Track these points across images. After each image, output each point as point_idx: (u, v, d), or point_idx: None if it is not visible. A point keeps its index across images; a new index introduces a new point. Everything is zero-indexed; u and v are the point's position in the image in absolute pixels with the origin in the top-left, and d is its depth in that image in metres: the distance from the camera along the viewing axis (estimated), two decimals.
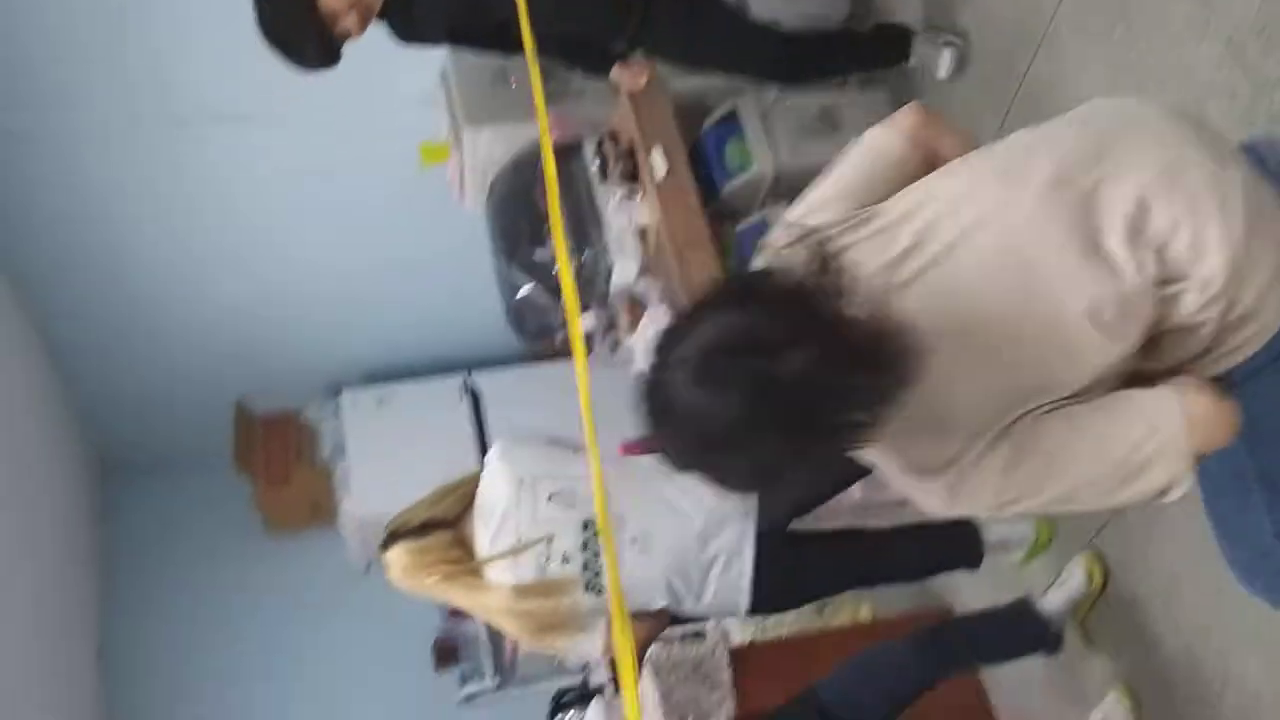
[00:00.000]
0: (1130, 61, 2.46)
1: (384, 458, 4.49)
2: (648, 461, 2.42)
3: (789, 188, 3.32)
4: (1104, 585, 2.71)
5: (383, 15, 2.80)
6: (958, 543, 2.82)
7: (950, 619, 3.06)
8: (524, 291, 3.42)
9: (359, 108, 3.78)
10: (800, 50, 3.11)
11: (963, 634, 2.71)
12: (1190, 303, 1.31)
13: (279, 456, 4.73)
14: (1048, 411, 1.32)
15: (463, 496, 2.77)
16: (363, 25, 2.73)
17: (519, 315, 3.55)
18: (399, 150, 3.84)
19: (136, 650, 4.56)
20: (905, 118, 1.53)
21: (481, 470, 2.71)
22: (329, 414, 4.62)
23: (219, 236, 4.13)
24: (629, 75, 3.11)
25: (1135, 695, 2.69)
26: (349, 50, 3.57)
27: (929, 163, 1.49)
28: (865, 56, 3.27)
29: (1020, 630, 2.72)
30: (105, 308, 4.28)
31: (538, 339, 3.61)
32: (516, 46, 2.72)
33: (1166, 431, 1.31)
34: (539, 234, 3.41)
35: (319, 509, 4.65)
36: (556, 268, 3.32)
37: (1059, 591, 2.73)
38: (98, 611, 4.66)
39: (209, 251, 4.19)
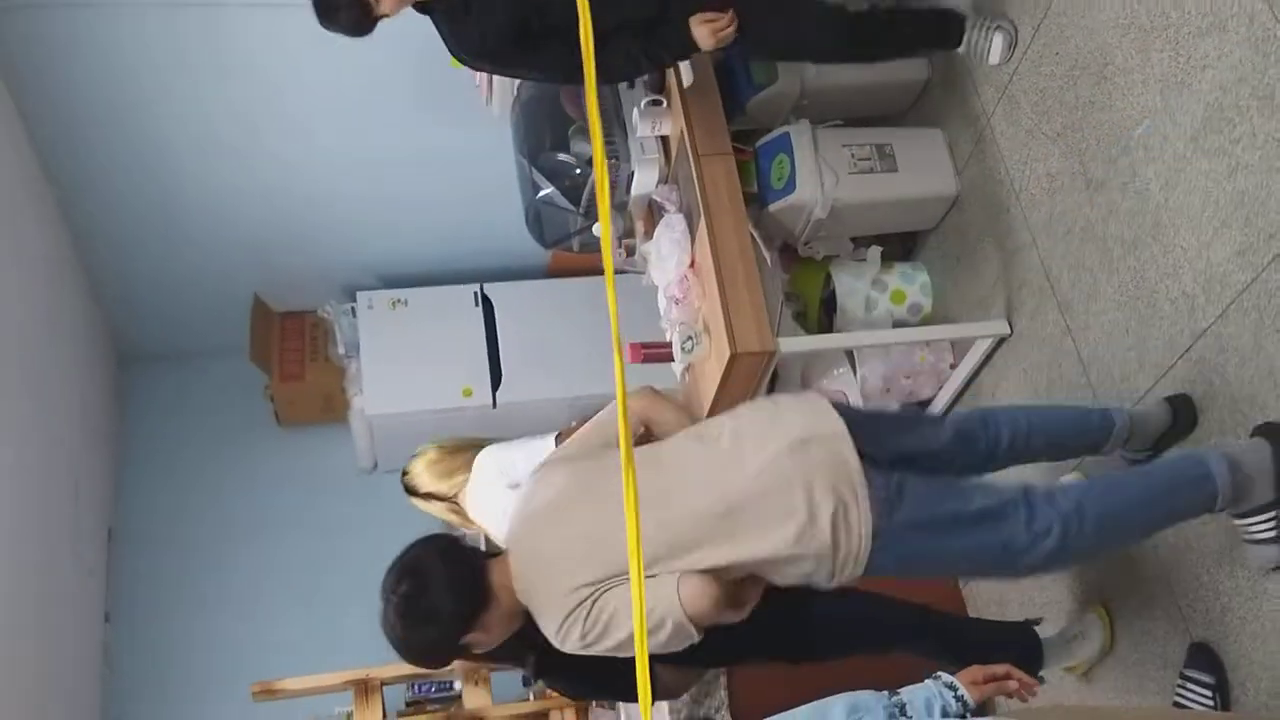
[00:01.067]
0: None
1: (396, 359, 4.58)
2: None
3: (812, 104, 3.38)
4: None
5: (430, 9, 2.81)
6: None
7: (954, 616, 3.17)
8: (544, 193, 3.48)
9: None
10: (864, 33, 3.04)
11: (955, 634, 2.82)
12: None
13: (295, 352, 4.81)
14: None
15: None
16: (398, 5, 2.71)
17: (538, 217, 3.61)
18: (430, 50, 3.86)
19: (145, 533, 4.68)
20: (635, 400, 2.35)
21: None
22: (345, 312, 4.69)
23: (247, 128, 4.17)
24: (711, 29, 2.78)
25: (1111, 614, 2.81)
26: None
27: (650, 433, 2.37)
28: (919, 37, 3.18)
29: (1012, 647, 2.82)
30: (129, 193, 4.33)
31: (555, 242, 3.67)
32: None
33: (665, 605, 2.05)
34: (562, 137, 3.46)
35: (330, 405, 4.74)
36: (578, 170, 3.38)
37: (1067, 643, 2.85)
38: (111, 494, 4.77)
39: (236, 143, 4.23)
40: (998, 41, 3.01)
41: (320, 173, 4.40)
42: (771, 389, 4.49)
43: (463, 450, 3.12)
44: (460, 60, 2.93)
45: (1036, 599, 3.09)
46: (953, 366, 3.37)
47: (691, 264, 3.16)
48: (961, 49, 3.10)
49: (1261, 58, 2.23)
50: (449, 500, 3.11)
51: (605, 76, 2.73)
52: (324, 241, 4.72)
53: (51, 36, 3.72)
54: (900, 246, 3.63)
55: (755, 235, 3.21)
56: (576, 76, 2.39)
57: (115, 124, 4.07)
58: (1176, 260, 2.50)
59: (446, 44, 2.88)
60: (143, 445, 4.88)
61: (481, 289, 4.79)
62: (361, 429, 4.64)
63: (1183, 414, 2.48)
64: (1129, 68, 2.60)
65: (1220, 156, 2.35)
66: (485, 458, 3.03)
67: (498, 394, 4.58)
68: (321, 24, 2.74)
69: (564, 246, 3.76)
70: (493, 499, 2.92)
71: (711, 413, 3.06)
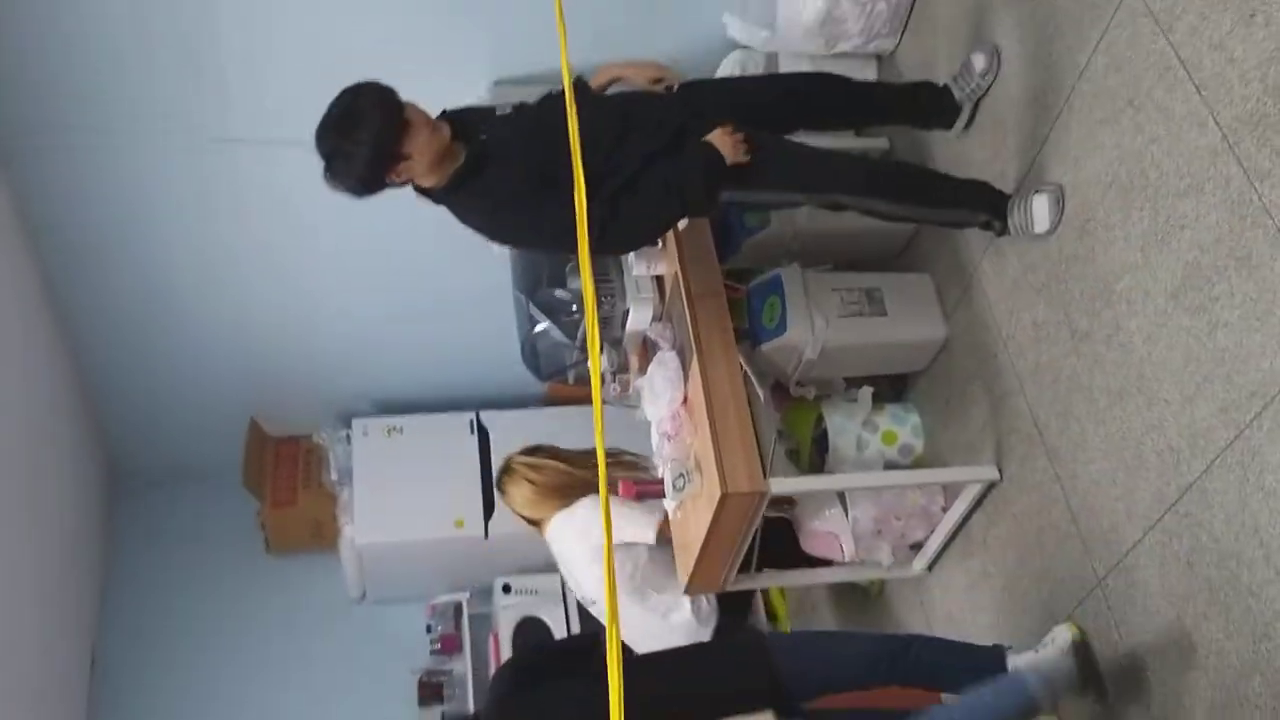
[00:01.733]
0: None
1: (388, 488, 4.59)
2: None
3: (804, 247, 3.46)
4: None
5: (448, 193, 2.84)
6: None
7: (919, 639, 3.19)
8: (540, 328, 3.53)
9: None
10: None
11: (926, 660, 2.82)
12: None
13: (288, 478, 4.82)
14: None
15: None
16: (423, 171, 2.75)
17: (534, 350, 3.66)
18: None
19: (128, 657, 4.61)
20: None
21: None
22: (340, 439, 4.71)
23: (248, 256, 4.26)
24: (734, 140, 2.80)
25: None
26: (397, 86, 3.77)
27: None
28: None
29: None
30: (130, 316, 4.41)
31: (551, 374, 3.71)
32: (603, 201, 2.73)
33: None
34: (559, 274, 3.53)
35: (320, 532, 4.73)
36: (574, 306, 3.44)
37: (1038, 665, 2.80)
38: (95, 618, 4.72)
39: (236, 270, 4.32)
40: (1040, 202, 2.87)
41: (320, 299, 4.47)
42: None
43: (552, 499, 3.50)
44: (470, 226, 2.96)
45: None
46: (944, 509, 3.37)
47: (684, 401, 3.19)
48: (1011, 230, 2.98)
49: (1238, 220, 2.29)
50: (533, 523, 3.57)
51: (643, 229, 2.89)
52: (321, 367, 4.77)
53: (65, 166, 3.83)
54: (891, 387, 3.66)
55: (748, 373, 3.25)
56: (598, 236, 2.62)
57: (119, 250, 4.16)
58: (1161, 414, 2.52)
59: (458, 217, 2.91)
60: (130, 569, 4.85)
61: (478, 416, 4.82)
62: (351, 558, 4.62)
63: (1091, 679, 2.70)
64: (1110, 224, 2.66)
65: (1200, 314, 2.40)
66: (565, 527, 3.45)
67: (490, 524, 4.57)
68: (327, 180, 2.73)
69: (560, 379, 3.80)
70: (572, 556, 3.47)
71: (703, 553, 3.07)
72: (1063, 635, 2.76)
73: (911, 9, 3.56)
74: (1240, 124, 2.27)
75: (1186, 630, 2.47)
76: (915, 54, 3.57)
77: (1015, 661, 2.72)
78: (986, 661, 2.74)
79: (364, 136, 2.62)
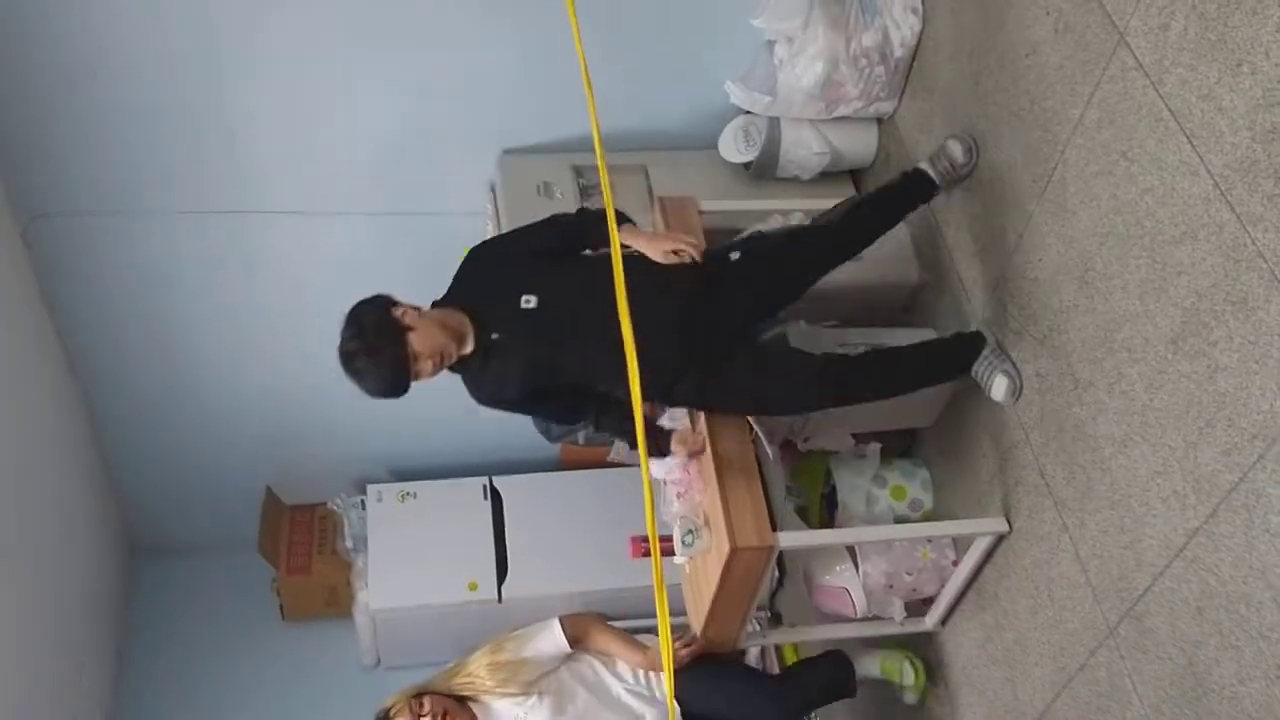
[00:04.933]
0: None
1: (403, 553, 4.59)
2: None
3: (807, 306, 3.48)
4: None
5: (458, 368, 2.88)
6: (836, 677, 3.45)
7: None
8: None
9: (411, 212, 4.02)
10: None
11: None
12: None
13: (303, 545, 4.83)
14: None
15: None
16: (434, 371, 2.77)
17: None
18: (445, 256, 4.04)
19: None
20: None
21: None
22: (354, 505, 4.73)
23: (260, 327, 4.32)
24: (690, 443, 3.01)
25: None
26: (405, 156, 3.87)
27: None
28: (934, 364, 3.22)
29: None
30: (151, 386, 4.45)
31: (560, 436, 3.74)
32: (592, 406, 2.92)
33: None
34: None
35: (335, 598, 4.73)
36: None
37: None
38: (111, 687, 4.71)
39: (249, 341, 4.38)
40: (1000, 382, 3.05)
41: (333, 367, 4.50)
42: (779, 582, 4.49)
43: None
44: (477, 400, 3.01)
45: None
46: (955, 563, 3.36)
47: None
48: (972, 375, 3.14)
49: (1233, 264, 2.33)
50: None
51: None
52: (336, 434, 4.80)
53: (84, 241, 3.91)
54: (899, 443, 3.68)
55: (757, 430, 3.27)
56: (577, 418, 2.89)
57: (141, 322, 4.23)
58: (1165, 459, 2.54)
59: (467, 389, 2.97)
60: (147, 638, 4.84)
61: (491, 482, 4.84)
62: (365, 624, 4.61)
63: None
64: (1109, 274, 2.70)
65: (1200, 358, 2.42)
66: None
67: (503, 588, 4.56)
68: (360, 383, 2.82)
69: (570, 440, 3.83)
70: None
71: (714, 610, 3.07)
72: None
73: (910, 72, 3.65)
74: (1231, 171, 2.32)
75: (1199, 676, 2.46)
76: (914, 116, 3.65)
77: None
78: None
79: (381, 369, 2.78)
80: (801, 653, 4.14)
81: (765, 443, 3.30)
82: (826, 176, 3.92)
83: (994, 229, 3.18)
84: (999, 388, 3.04)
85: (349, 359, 2.78)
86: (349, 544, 4.70)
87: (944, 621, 3.46)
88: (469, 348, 2.79)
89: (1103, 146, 2.71)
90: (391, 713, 3.08)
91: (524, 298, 2.78)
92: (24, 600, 3.92)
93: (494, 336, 2.78)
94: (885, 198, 3.28)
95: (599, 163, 2.46)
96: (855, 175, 3.99)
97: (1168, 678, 2.56)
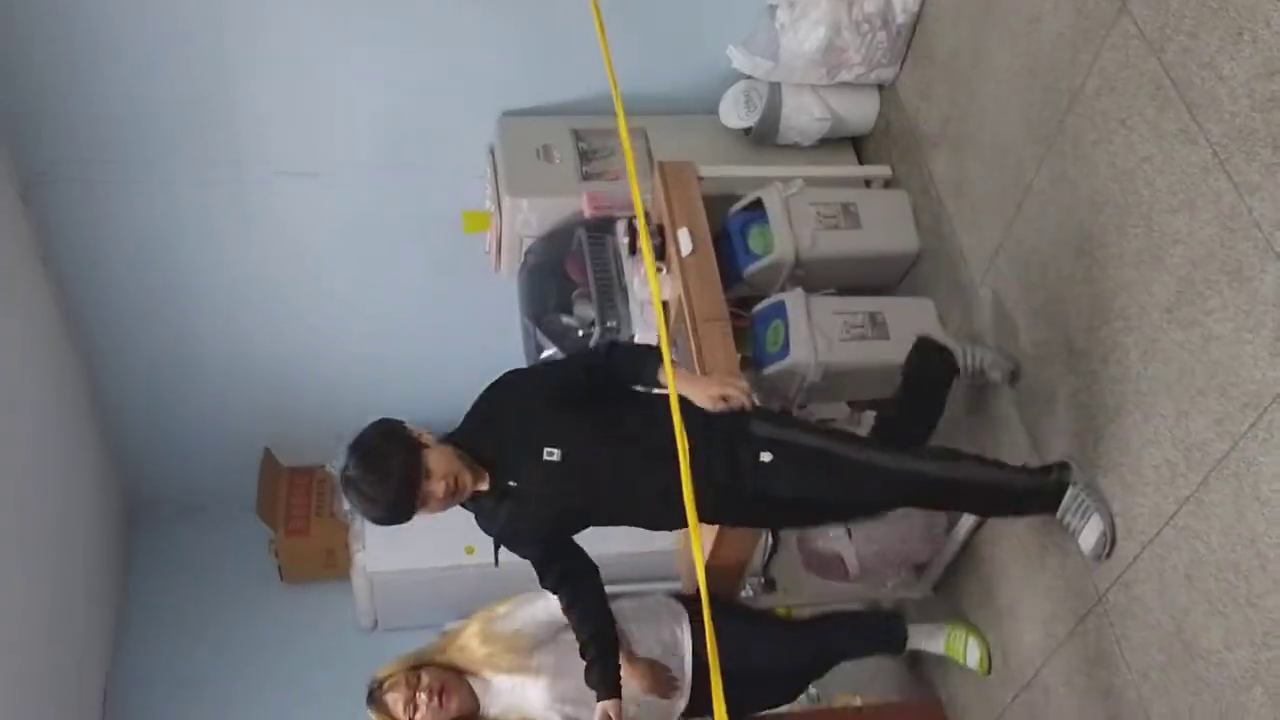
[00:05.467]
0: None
1: None
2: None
3: (807, 274, 3.50)
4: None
5: (469, 504, 2.69)
6: (881, 632, 3.39)
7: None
8: (548, 354, 3.59)
9: (410, 175, 4.02)
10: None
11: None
12: None
13: (301, 507, 4.85)
14: None
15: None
16: (444, 498, 2.55)
17: None
18: (443, 220, 4.05)
19: (143, 686, 4.62)
20: None
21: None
22: None
23: (266, 288, 4.32)
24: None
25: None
26: (403, 118, 3.86)
27: None
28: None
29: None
30: (150, 348, 4.45)
31: None
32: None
33: None
34: (566, 301, 3.59)
35: (333, 560, 4.75)
36: (580, 332, 3.49)
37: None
38: (110, 647, 4.75)
39: (249, 304, 4.37)
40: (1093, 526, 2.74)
41: (334, 330, 4.53)
42: (773, 549, 4.51)
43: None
44: (484, 532, 2.80)
45: None
46: (947, 531, 3.38)
47: None
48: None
49: (1229, 234, 2.33)
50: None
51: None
52: (335, 397, 4.80)
53: (83, 203, 3.91)
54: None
55: (753, 396, 3.28)
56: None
57: (140, 284, 4.22)
58: (1157, 428, 2.55)
59: (477, 521, 2.78)
60: (146, 597, 4.86)
61: None
62: (363, 586, 4.64)
63: None
64: (1106, 243, 2.70)
65: (1194, 328, 2.43)
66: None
67: (500, 552, 4.57)
68: (363, 511, 2.59)
69: None
70: None
71: (707, 576, 3.09)
72: None
73: (911, 39, 3.63)
74: (1229, 140, 2.32)
75: (1187, 643, 2.48)
76: (915, 83, 3.64)
77: None
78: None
79: (389, 477, 2.51)
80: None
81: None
82: (827, 143, 3.91)
83: (994, 199, 3.18)
84: (1089, 535, 2.74)
85: (358, 461, 2.54)
86: (346, 506, 4.71)
87: (936, 588, 3.48)
88: (484, 485, 2.61)
89: (1102, 115, 2.70)
90: (386, 685, 2.93)
91: (547, 450, 2.58)
92: (24, 562, 3.94)
93: (511, 484, 2.61)
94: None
95: (624, 148, 2.39)
96: (856, 141, 3.98)
97: (1156, 644, 2.58)
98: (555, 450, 2.57)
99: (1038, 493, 2.79)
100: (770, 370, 3.34)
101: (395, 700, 2.87)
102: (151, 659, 4.69)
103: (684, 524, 2.22)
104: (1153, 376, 2.56)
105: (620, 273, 3.53)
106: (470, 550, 4.59)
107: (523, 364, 3.81)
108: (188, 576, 4.88)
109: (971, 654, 3.30)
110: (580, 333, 3.52)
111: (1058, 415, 2.91)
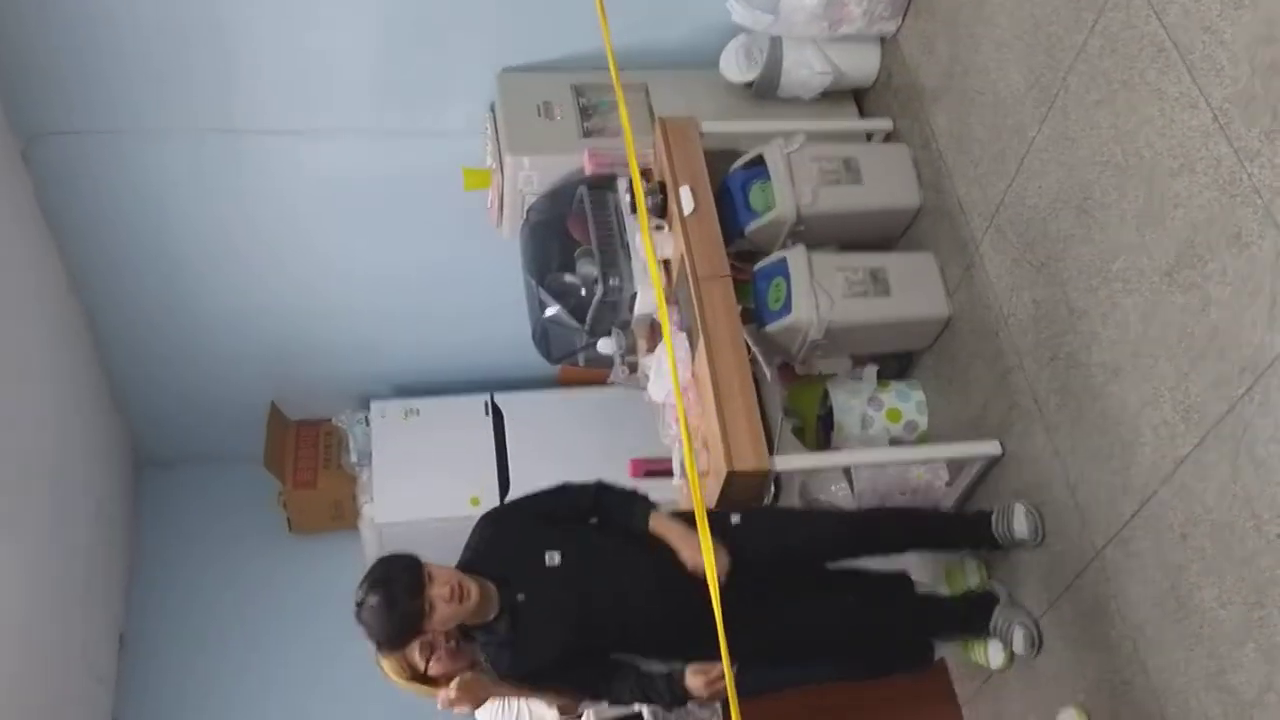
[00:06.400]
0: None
1: (406, 468, 4.66)
2: None
3: (808, 230, 3.50)
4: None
5: (483, 638, 2.73)
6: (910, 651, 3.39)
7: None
8: (550, 312, 3.60)
9: (409, 131, 4.00)
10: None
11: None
12: None
13: (308, 460, 4.90)
14: None
15: None
16: (450, 599, 2.57)
17: (545, 334, 3.73)
18: (443, 176, 4.05)
19: (156, 635, 4.71)
20: None
21: None
22: (359, 422, 4.79)
23: (266, 244, 4.32)
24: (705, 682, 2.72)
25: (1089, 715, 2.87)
26: (401, 74, 3.84)
27: None
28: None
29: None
30: (153, 305, 4.47)
31: (561, 358, 3.78)
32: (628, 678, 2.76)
33: None
34: (568, 259, 3.60)
35: (340, 512, 4.81)
36: (583, 290, 3.51)
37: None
38: (123, 600, 4.83)
39: (256, 258, 4.38)
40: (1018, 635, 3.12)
41: (337, 287, 4.54)
42: (776, 496, 4.56)
43: None
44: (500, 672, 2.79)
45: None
46: (948, 485, 3.43)
47: (691, 380, 3.26)
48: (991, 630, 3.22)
49: (1229, 199, 2.34)
50: None
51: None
52: (340, 352, 4.84)
53: (82, 160, 3.90)
54: (896, 364, 3.72)
55: (755, 353, 3.31)
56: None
57: (140, 241, 4.23)
58: (1156, 389, 2.58)
59: (491, 661, 2.79)
60: (156, 550, 4.94)
61: (492, 399, 4.90)
62: (371, 537, 4.70)
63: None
64: (1107, 204, 2.71)
65: (1194, 291, 2.45)
66: None
67: (504, 501, 4.65)
68: (368, 634, 2.65)
69: (570, 362, 3.87)
70: None
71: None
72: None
73: None
74: (1230, 104, 2.32)
75: (1181, 600, 2.53)
76: (917, 36, 3.61)
77: None
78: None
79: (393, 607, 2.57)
80: None
81: (763, 364, 3.35)
82: (828, 96, 3.89)
83: (995, 155, 3.18)
84: (1019, 641, 3.11)
85: (368, 587, 2.63)
86: (354, 459, 4.77)
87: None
88: (491, 613, 2.66)
89: (1104, 75, 2.70)
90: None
91: (548, 554, 2.70)
92: (34, 516, 4.00)
93: (519, 598, 2.67)
94: (933, 525, 3.30)
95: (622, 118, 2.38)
96: (857, 95, 3.97)
97: (1150, 600, 2.64)
98: (555, 554, 2.70)
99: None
100: (772, 327, 3.37)
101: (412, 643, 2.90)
102: (163, 612, 4.77)
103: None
104: (1153, 338, 2.58)
105: (622, 230, 3.53)
106: (475, 501, 4.65)
107: (525, 320, 3.85)
108: (197, 528, 4.94)
109: (994, 656, 3.33)
110: (583, 291, 3.53)
111: (1059, 373, 2.94)
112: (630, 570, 2.74)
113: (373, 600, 2.56)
